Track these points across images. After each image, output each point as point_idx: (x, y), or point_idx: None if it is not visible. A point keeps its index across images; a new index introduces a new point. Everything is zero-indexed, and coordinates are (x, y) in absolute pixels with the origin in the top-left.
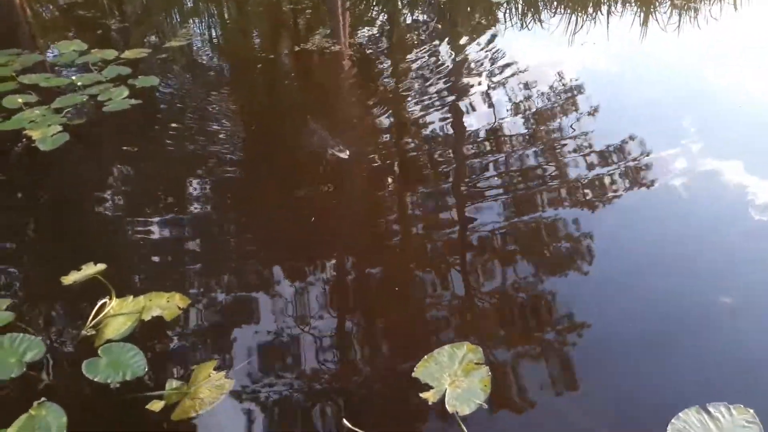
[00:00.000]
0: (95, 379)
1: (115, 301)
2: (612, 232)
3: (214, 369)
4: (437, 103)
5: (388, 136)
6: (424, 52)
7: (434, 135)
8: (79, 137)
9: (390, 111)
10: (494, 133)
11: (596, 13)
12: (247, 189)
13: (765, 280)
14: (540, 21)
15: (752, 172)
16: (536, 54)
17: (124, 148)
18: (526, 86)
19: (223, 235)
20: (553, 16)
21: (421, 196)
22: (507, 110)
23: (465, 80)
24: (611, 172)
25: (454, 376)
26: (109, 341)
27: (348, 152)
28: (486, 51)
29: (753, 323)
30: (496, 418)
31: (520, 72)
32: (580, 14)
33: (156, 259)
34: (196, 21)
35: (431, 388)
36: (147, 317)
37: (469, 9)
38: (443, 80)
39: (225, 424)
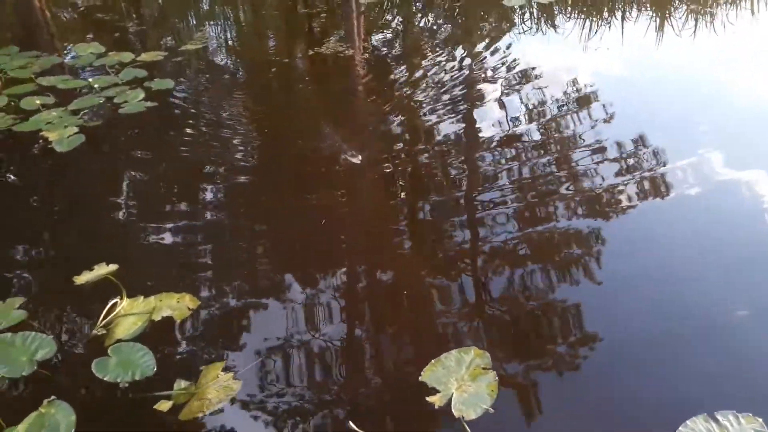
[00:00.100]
0: (105, 379)
1: (126, 302)
2: (627, 236)
3: (222, 370)
4: (450, 108)
5: (401, 142)
6: (438, 57)
7: (447, 141)
8: (95, 139)
9: (403, 117)
10: (508, 139)
11: (611, 18)
12: (259, 192)
13: None
14: (554, 26)
15: None
16: (550, 59)
17: (139, 150)
18: (541, 92)
19: (235, 238)
20: (568, 20)
21: (434, 203)
22: (521, 117)
23: (478, 86)
24: (626, 181)
25: (461, 381)
26: (119, 341)
27: (360, 157)
28: (499, 56)
29: (763, 331)
30: (502, 423)
31: (534, 77)
32: (594, 19)
33: (167, 260)
34: (212, 24)
35: (438, 392)
36: (157, 318)
37: (482, 13)
38: (457, 86)
39: (232, 425)
